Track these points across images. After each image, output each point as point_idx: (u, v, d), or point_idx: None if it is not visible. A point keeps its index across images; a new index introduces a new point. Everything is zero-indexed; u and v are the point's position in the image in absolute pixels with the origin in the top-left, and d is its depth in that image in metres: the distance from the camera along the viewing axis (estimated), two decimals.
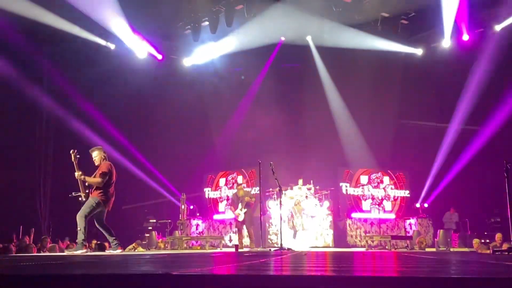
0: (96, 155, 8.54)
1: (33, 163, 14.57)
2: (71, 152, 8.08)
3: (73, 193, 8.30)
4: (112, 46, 15.16)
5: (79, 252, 7.72)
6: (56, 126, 14.94)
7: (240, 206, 12.21)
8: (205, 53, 16.36)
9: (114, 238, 8.30)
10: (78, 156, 8.12)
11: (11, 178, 13.12)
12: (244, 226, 12.44)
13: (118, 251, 8.00)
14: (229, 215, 15.69)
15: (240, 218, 12.22)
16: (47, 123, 15.01)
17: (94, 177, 8.27)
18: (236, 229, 13.00)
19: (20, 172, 13.83)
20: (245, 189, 13.50)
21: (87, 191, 8.27)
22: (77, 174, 8.08)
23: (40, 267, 3.46)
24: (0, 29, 11.93)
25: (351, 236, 14.61)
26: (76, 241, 8.05)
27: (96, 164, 8.50)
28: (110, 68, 14.84)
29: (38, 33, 13.39)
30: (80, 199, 8.29)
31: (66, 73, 14.32)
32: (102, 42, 14.91)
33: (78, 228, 7.93)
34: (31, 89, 13.49)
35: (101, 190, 8.20)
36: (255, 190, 14.24)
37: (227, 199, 15.94)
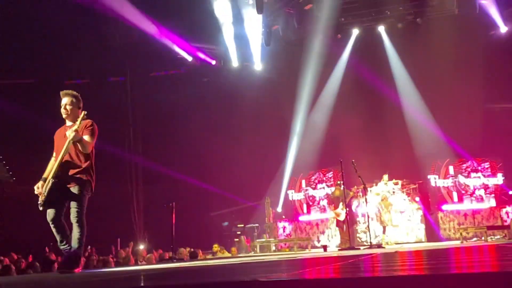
0: (69, 102, 5.28)
1: (125, 177, 15.36)
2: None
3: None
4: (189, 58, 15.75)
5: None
6: (143, 139, 15.75)
7: (341, 205, 11.97)
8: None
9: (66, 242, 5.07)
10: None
11: (106, 192, 13.89)
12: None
13: None
14: (314, 216, 15.58)
15: (341, 218, 11.99)
16: (134, 136, 15.83)
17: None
18: (337, 228, 12.71)
19: (114, 186, 14.60)
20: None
21: (59, 173, 4.99)
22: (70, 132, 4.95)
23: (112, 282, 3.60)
24: None
25: (444, 229, 13.99)
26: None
27: (65, 116, 5.31)
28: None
29: None
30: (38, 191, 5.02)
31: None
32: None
33: (78, 235, 5.01)
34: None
35: (88, 162, 5.17)
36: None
37: (312, 200, 15.86)
